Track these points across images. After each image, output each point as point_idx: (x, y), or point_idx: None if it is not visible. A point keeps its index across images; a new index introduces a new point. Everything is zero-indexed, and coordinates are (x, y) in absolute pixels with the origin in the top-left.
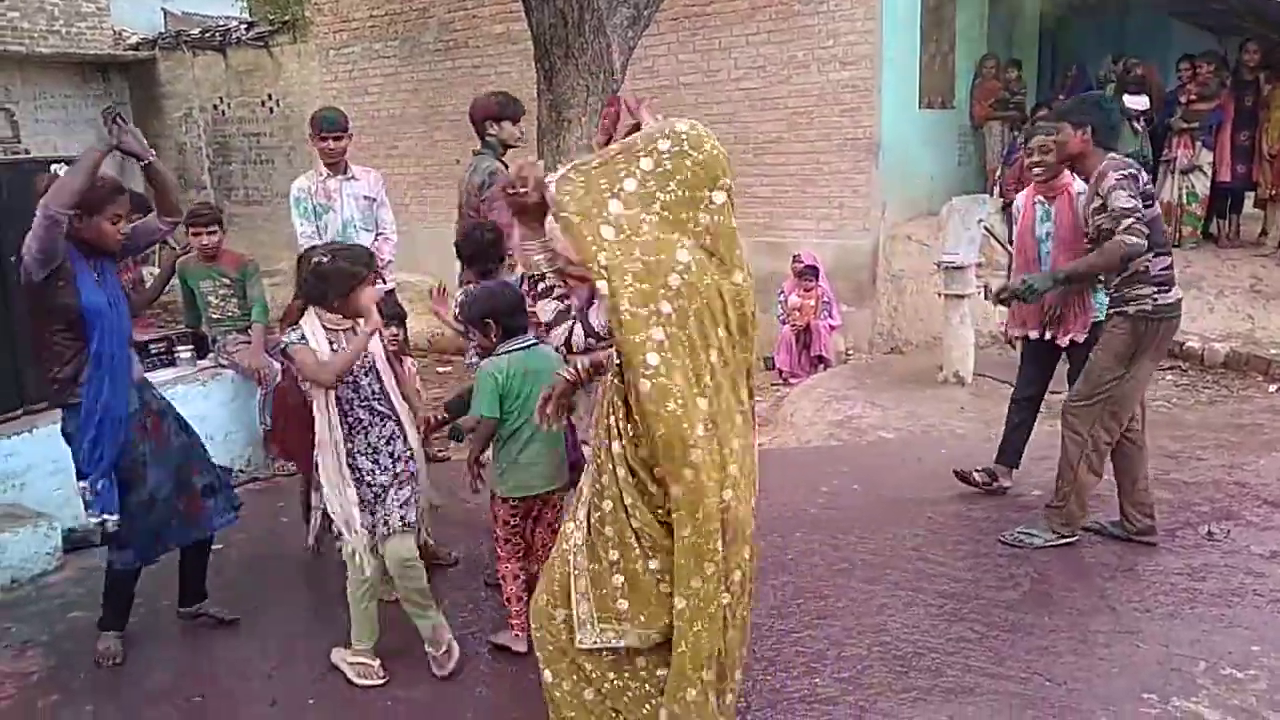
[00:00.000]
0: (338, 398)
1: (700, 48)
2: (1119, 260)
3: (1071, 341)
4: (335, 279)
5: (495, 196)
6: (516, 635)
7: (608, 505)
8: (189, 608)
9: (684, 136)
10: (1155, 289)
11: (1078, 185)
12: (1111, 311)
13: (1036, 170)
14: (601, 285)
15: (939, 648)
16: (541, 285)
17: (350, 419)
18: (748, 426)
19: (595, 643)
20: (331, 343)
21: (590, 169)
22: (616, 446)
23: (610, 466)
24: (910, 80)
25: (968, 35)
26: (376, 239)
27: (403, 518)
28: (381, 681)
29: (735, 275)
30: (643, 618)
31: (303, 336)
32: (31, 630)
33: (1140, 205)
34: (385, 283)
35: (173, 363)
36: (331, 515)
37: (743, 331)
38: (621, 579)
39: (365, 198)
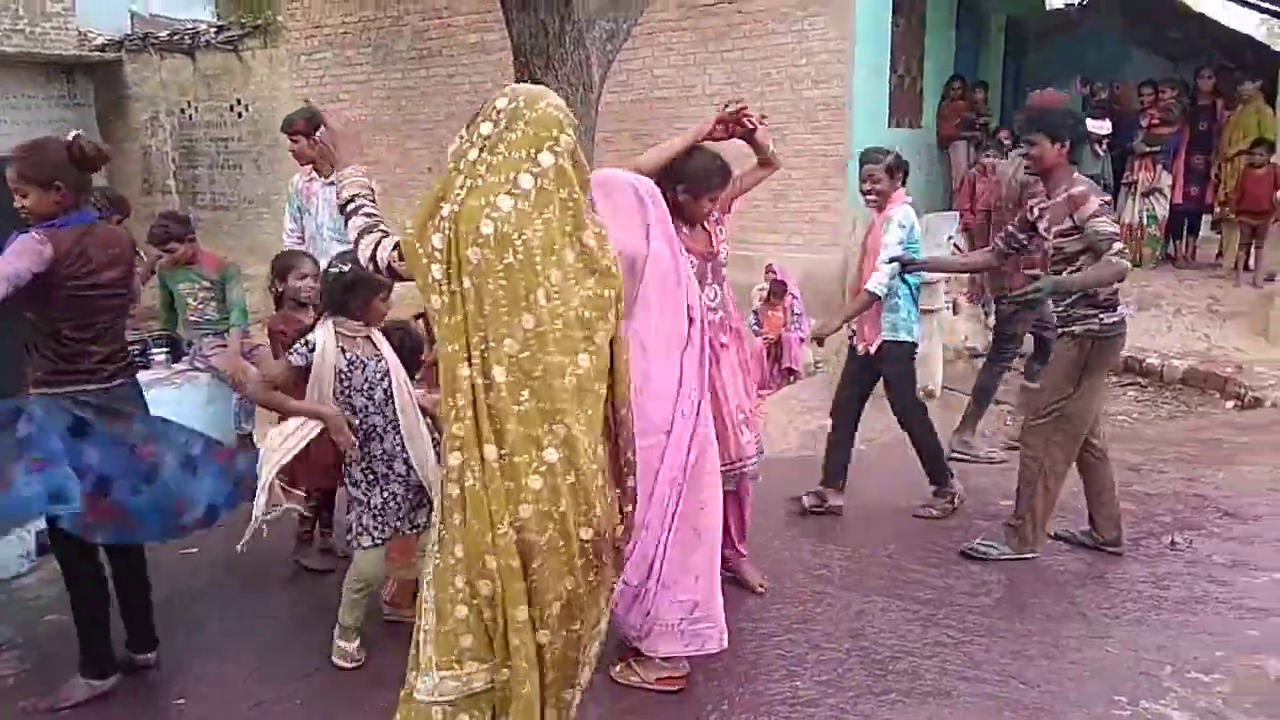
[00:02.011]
0: (353, 406)
1: (675, 63)
2: (1113, 279)
3: (868, 352)
4: (358, 288)
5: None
6: None
7: (454, 519)
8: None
9: (520, 95)
10: (1101, 310)
11: (902, 213)
12: (1062, 333)
13: (1027, 165)
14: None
15: (916, 651)
16: (351, 205)
17: (365, 426)
18: (596, 414)
19: (432, 695)
20: (345, 350)
21: (454, 151)
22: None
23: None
24: (880, 99)
25: (935, 57)
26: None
27: (413, 522)
28: (358, 663)
29: (584, 234)
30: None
31: (313, 349)
32: (8, 632)
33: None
34: None
35: (146, 365)
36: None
37: (601, 287)
38: (465, 610)
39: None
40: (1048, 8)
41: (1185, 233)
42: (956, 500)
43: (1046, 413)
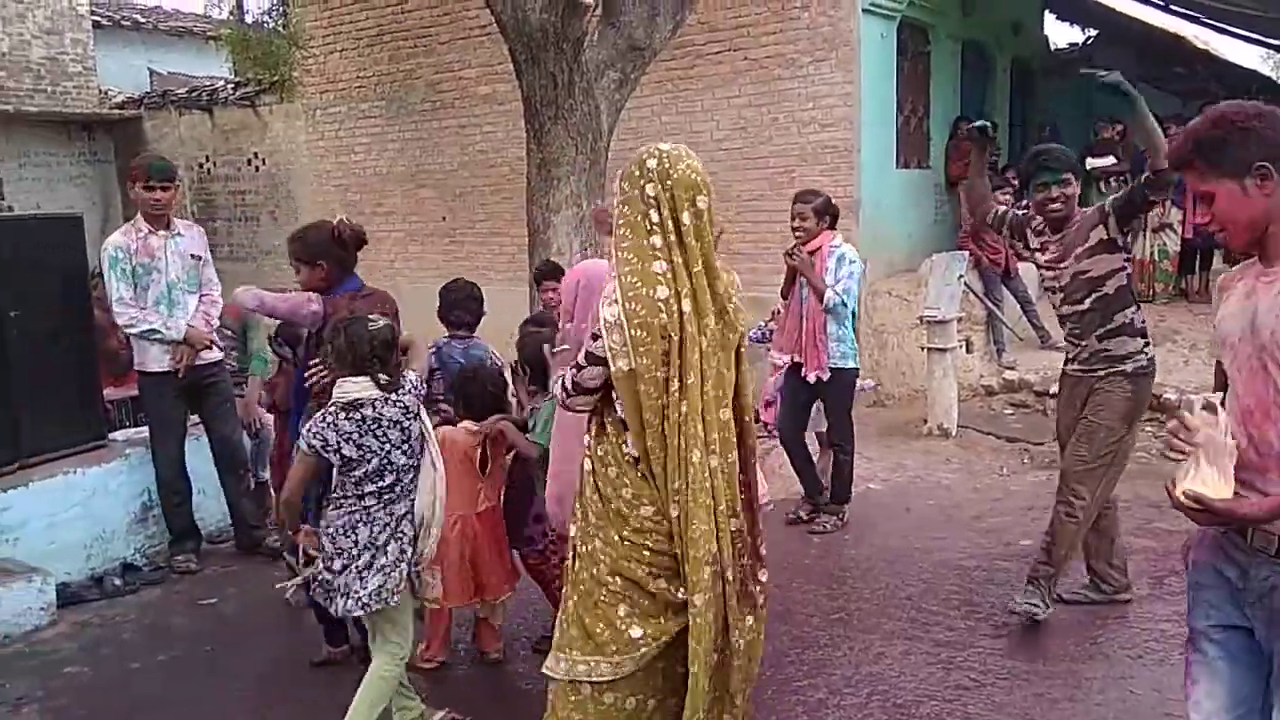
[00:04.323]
0: None
1: (684, 110)
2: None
3: (818, 379)
4: (392, 338)
5: None
6: None
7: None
8: None
9: (665, 157)
10: (1144, 342)
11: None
12: (1108, 371)
13: (1058, 208)
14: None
15: (937, 695)
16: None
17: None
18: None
19: (565, 674)
20: None
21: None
22: (586, 464)
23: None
24: (887, 141)
25: (942, 98)
26: (202, 300)
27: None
28: None
29: (717, 283)
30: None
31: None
32: (26, 686)
33: None
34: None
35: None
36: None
37: (730, 328)
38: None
39: (193, 256)
40: (1053, 48)
41: (1197, 267)
42: (844, 519)
43: (1103, 455)
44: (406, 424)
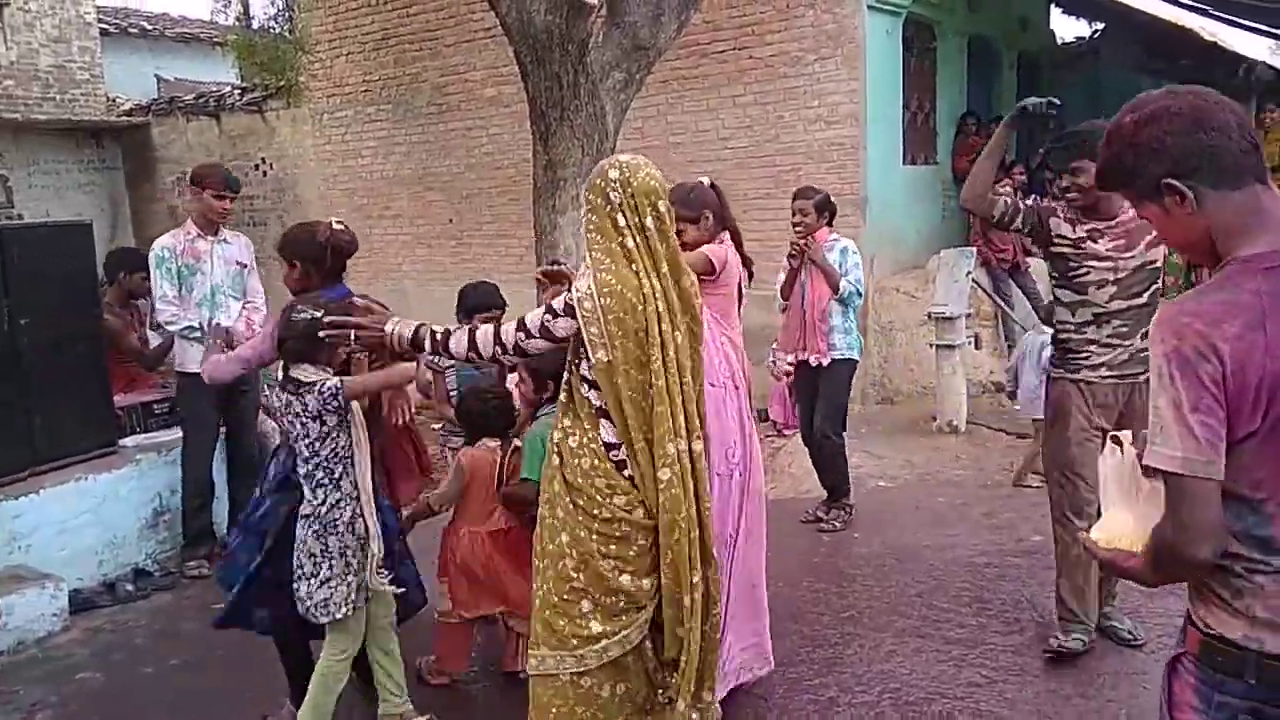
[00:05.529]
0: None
1: (689, 109)
2: None
3: (818, 364)
4: (313, 332)
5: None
6: None
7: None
8: None
9: (625, 167)
10: None
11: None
12: (1146, 373)
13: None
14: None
15: (949, 693)
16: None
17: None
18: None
19: (535, 669)
20: None
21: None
22: (554, 459)
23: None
24: (894, 138)
25: (948, 94)
26: (245, 307)
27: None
28: None
29: (683, 280)
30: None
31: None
32: (41, 693)
33: None
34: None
35: (177, 423)
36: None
37: (696, 323)
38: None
39: (238, 263)
40: (1059, 42)
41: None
42: (850, 513)
43: None
44: (305, 421)
